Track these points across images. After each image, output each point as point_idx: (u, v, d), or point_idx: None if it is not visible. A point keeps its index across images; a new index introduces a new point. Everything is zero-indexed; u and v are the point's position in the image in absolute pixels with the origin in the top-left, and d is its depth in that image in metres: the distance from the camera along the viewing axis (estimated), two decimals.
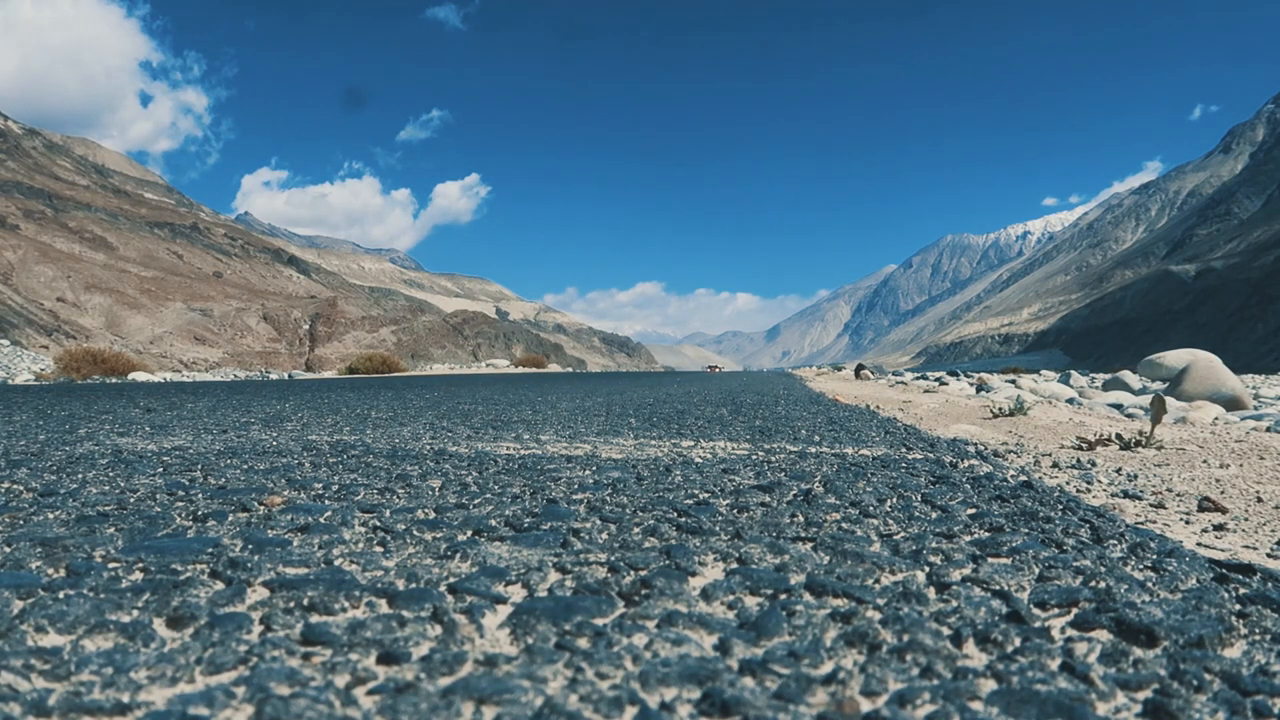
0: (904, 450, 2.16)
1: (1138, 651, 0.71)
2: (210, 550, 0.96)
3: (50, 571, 0.88)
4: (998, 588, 0.89)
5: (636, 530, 1.13)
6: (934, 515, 1.28)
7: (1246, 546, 1.31)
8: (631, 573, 0.91)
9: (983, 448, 2.60)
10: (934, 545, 1.06)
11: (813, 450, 2.12)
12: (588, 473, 1.64)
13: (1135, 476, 2.07)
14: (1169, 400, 6.41)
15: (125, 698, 0.58)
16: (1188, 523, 1.49)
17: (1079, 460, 2.35)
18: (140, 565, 0.90)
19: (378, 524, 1.14)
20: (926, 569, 0.96)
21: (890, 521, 1.22)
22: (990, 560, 1.00)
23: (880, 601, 0.82)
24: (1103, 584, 0.90)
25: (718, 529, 1.14)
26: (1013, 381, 10.12)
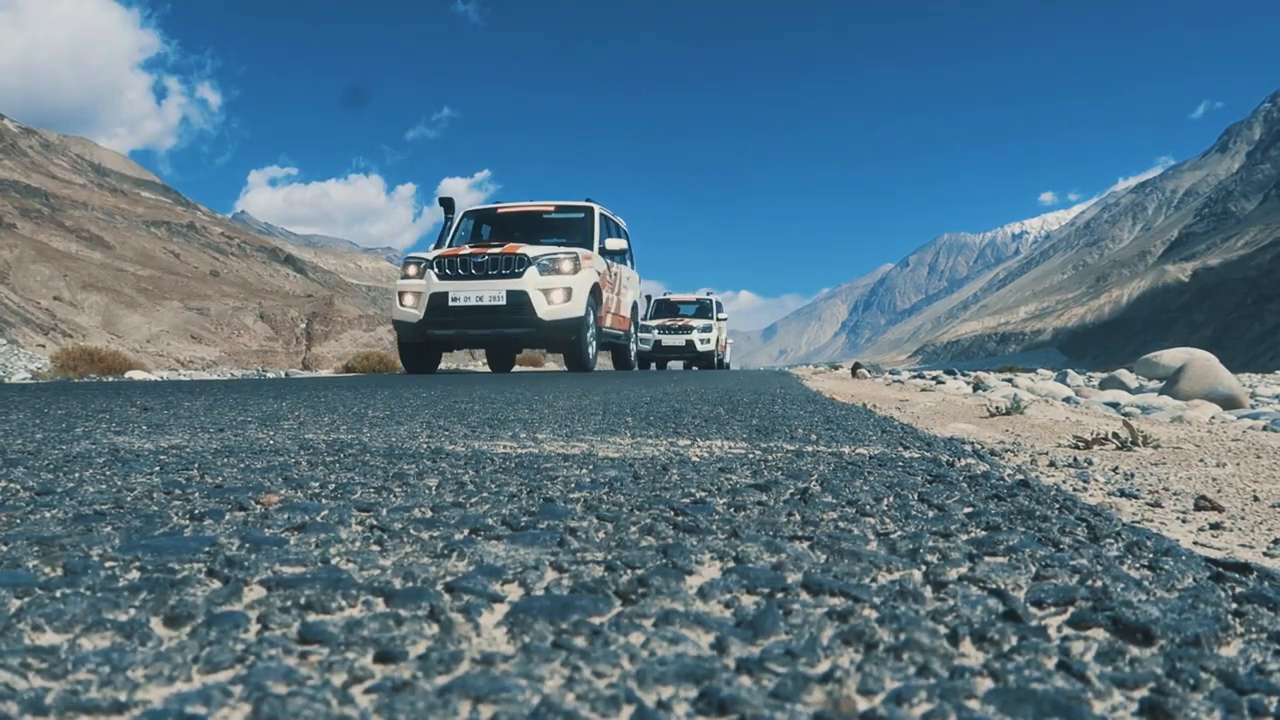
0: (901, 449, 2.16)
1: (1134, 650, 0.71)
2: (207, 549, 0.96)
3: (47, 570, 0.87)
4: (994, 586, 0.89)
5: (633, 529, 1.13)
6: (931, 514, 1.28)
7: (1243, 545, 1.32)
8: (628, 571, 0.91)
9: (979, 446, 2.60)
10: (931, 544, 1.06)
11: (810, 449, 2.12)
12: (584, 471, 1.64)
13: (1132, 475, 2.08)
14: (1165, 399, 6.42)
15: (123, 696, 0.58)
16: (1184, 521, 1.50)
17: (1076, 459, 2.36)
18: (137, 564, 0.90)
19: (374, 523, 1.14)
20: (923, 567, 0.96)
21: (887, 520, 1.23)
22: (987, 559, 1.00)
23: (877, 600, 0.82)
24: (1099, 582, 0.90)
25: (715, 528, 1.14)
26: (1009, 380, 10.13)
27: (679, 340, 17.81)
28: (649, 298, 18.30)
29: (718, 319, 18.35)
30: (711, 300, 18.89)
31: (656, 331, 17.77)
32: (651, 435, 2.40)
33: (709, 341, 17.59)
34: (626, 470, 1.67)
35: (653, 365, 18.71)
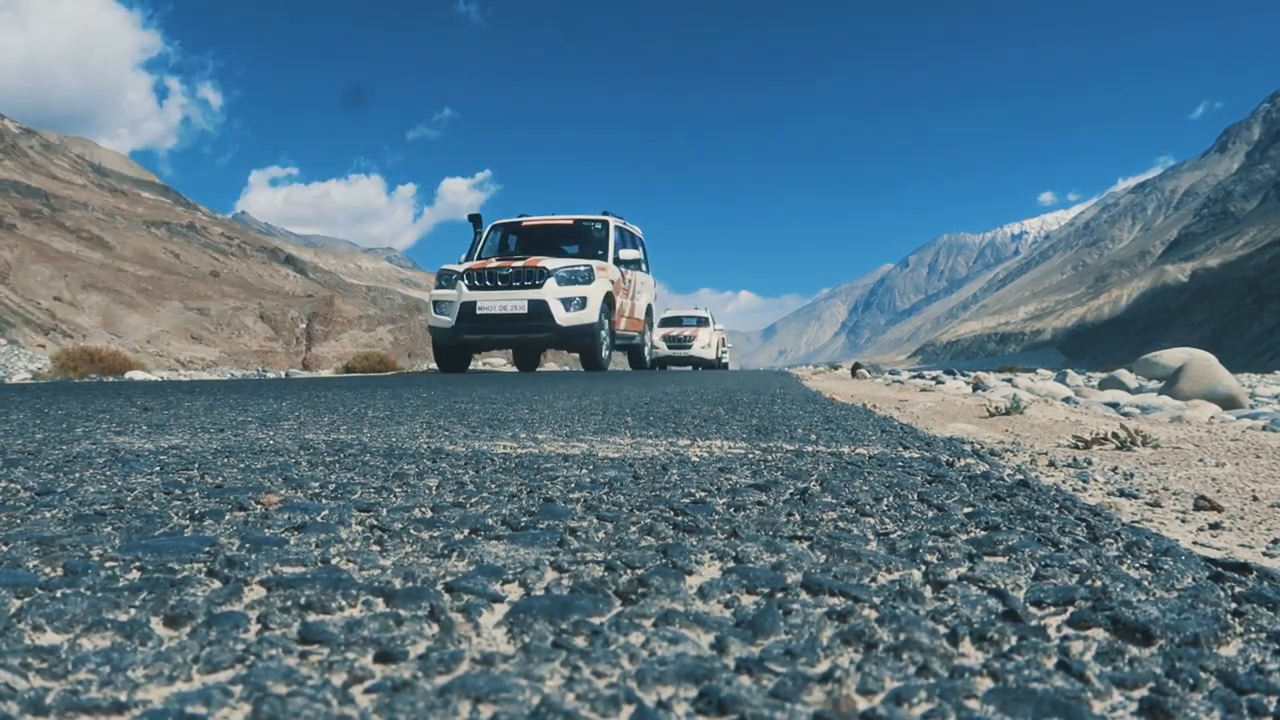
0: (900, 449, 2.16)
1: (1134, 650, 0.71)
2: (207, 549, 0.96)
3: (47, 570, 0.87)
4: (994, 586, 0.89)
5: (633, 529, 1.13)
6: (930, 514, 1.28)
7: (1242, 545, 1.32)
8: (628, 571, 0.91)
9: (979, 446, 2.60)
10: (930, 544, 1.06)
11: (809, 449, 2.12)
12: (584, 471, 1.64)
13: (1131, 475, 2.08)
14: (1165, 399, 6.42)
15: (123, 696, 0.58)
16: (1184, 521, 1.50)
17: (1075, 459, 2.36)
18: (137, 564, 0.90)
19: (374, 523, 1.14)
20: (923, 567, 0.96)
21: (887, 520, 1.23)
22: (986, 559, 1.00)
23: (877, 600, 0.83)
24: (1099, 582, 0.90)
25: (714, 528, 1.14)
26: (1009, 380, 10.13)
27: (682, 349, 22.21)
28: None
29: (714, 328, 23.55)
30: (707, 314, 24.21)
31: (663, 342, 22.00)
32: (651, 435, 2.40)
33: (708, 347, 22.47)
34: (626, 470, 1.67)
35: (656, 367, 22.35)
